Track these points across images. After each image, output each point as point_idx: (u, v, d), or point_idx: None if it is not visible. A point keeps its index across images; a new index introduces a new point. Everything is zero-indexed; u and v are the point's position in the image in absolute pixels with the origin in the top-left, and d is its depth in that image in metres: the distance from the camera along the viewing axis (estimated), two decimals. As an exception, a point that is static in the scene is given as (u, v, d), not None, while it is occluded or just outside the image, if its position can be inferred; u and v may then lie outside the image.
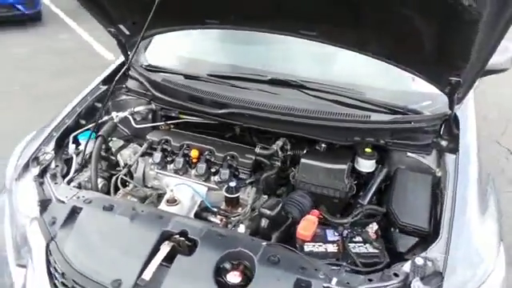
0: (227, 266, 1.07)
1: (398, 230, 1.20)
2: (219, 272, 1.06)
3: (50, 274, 1.15)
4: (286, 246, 1.10)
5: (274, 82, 1.59)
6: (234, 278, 1.04)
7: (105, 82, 1.78)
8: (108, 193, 1.45)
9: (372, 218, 1.25)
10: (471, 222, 1.14)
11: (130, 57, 1.59)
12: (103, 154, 1.58)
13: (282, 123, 1.43)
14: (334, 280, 1.00)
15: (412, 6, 1.01)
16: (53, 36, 5.86)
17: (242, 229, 1.23)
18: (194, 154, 1.45)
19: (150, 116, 1.78)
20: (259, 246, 1.09)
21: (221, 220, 1.33)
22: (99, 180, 1.47)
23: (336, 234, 1.20)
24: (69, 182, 1.41)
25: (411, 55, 1.22)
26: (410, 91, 1.56)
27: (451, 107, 1.34)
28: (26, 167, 1.42)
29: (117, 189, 1.44)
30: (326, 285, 0.99)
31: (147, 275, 1.04)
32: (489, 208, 1.24)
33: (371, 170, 1.41)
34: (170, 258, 1.08)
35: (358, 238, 1.18)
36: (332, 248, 1.15)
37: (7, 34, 5.83)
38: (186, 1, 1.36)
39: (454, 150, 1.34)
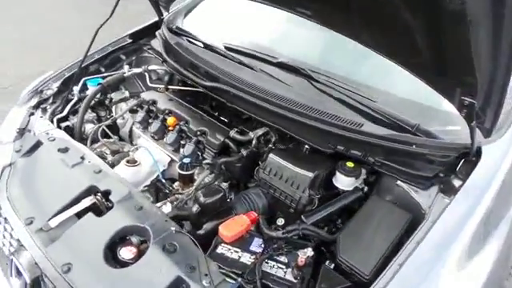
0: (129, 236, 1.00)
1: (332, 266, 0.97)
2: (118, 243, 0.99)
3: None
4: (193, 240, 0.97)
5: (282, 66, 1.42)
6: (126, 253, 0.97)
7: (132, 36, 1.82)
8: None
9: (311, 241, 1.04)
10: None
11: (160, 14, 1.60)
12: (107, 103, 1.63)
13: (263, 111, 1.27)
14: (217, 293, 0.85)
15: None
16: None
17: (168, 208, 1.13)
18: (170, 121, 1.38)
19: (166, 77, 1.76)
20: (167, 229, 0.99)
21: (165, 195, 1.25)
22: (90, 125, 1.52)
23: (263, 245, 1.02)
24: (60, 121, 1.48)
25: (410, 55, 0.95)
26: (436, 109, 1.23)
27: (472, 139, 1.02)
28: (30, 97, 1.53)
29: (96, 140, 1.47)
30: (202, 293, 0.85)
31: (53, 222, 1.03)
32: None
33: (349, 188, 1.16)
34: (84, 213, 1.06)
35: (283, 259, 0.98)
36: (246, 259, 0.98)
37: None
38: None
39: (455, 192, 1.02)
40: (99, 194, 1.09)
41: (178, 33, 1.70)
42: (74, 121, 1.51)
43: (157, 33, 1.74)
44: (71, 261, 0.95)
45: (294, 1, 1.12)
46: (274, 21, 1.76)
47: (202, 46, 1.63)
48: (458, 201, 0.99)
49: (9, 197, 1.13)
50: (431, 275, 0.88)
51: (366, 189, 1.18)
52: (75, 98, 1.56)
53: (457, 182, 1.06)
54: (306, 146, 1.26)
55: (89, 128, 1.52)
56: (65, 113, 1.51)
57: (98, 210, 1.08)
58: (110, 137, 1.50)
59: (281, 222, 1.14)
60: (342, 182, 1.16)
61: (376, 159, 1.13)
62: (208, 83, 1.37)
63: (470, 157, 1.07)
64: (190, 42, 1.65)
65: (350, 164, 1.16)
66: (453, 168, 1.09)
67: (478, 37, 0.72)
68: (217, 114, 1.48)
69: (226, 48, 1.57)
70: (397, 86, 1.30)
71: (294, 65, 1.38)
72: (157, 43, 1.76)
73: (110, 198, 1.08)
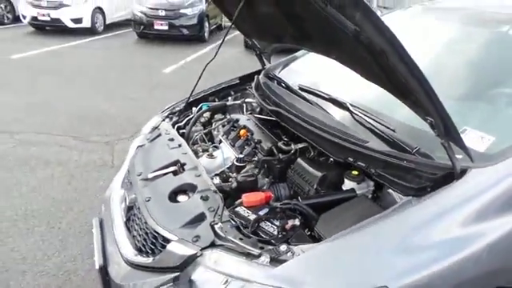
0: (186, 190, 1.53)
1: (308, 233, 1.28)
2: (180, 191, 1.53)
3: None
4: (220, 196, 1.43)
5: (332, 102, 1.82)
6: (181, 197, 1.50)
7: (240, 78, 2.49)
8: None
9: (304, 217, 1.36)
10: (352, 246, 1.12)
11: (263, 63, 2.24)
12: (212, 121, 2.29)
13: (303, 129, 1.68)
14: (219, 225, 1.28)
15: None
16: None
17: (216, 180, 1.63)
18: (242, 132, 1.92)
19: (258, 109, 2.34)
20: (208, 187, 1.48)
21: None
22: (195, 134, 2.19)
23: (267, 212, 1.40)
24: (179, 128, 2.19)
25: (383, 83, 1.26)
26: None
27: (450, 159, 1.22)
28: (166, 111, 2.31)
29: (196, 143, 2.10)
30: (212, 224, 1.29)
31: (150, 175, 1.65)
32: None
33: (348, 191, 1.45)
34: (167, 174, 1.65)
35: (276, 222, 1.34)
36: (251, 217, 1.38)
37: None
38: (266, 25, 1.86)
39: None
40: (179, 164, 1.67)
41: (270, 77, 2.28)
42: (187, 129, 2.20)
43: (256, 77, 2.36)
44: (151, 196, 1.53)
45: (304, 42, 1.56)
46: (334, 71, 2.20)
47: (284, 86, 2.16)
48: (422, 204, 1.18)
49: (134, 162, 1.83)
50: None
51: (369, 196, 1.44)
52: (191, 115, 2.27)
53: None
54: (331, 159, 1.60)
55: (195, 134, 2.18)
56: (183, 123, 2.22)
57: (176, 174, 1.65)
58: (205, 141, 2.12)
59: None
60: (347, 185, 1.46)
61: (376, 170, 1.40)
62: (270, 107, 1.88)
63: (454, 177, 1.24)
64: (278, 84, 2.20)
65: (354, 172, 1.46)
66: (442, 185, 1.27)
67: (396, 62, 1.02)
68: (276, 131, 1.94)
69: (300, 88, 2.06)
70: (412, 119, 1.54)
71: (340, 100, 1.77)
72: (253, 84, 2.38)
73: (185, 167, 1.64)
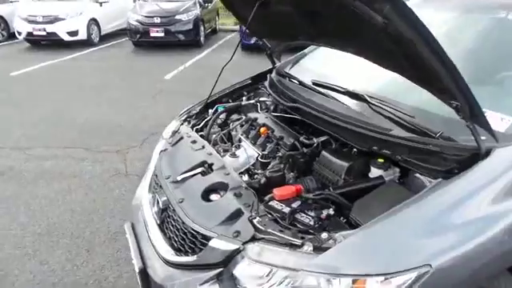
0: (217, 189, 1.57)
1: (344, 221, 1.33)
2: (212, 191, 1.58)
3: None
4: (253, 192, 1.48)
5: (348, 94, 1.87)
6: (214, 196, 1.55)
7: (252, 78, 2.54)
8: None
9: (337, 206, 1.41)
10: (402, 226, 1.17)
11: (273, 62, 2.30)
12: (228, 121, 2.33)
13: (324, 122, 1.73)
14: (257, 219, 1.33)
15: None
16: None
17: (245, 177, 1.67)
18: (262, 130, 1.97)
19: (272, 107, 2.39)
20: (239, 185, 1.53)
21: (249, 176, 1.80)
22: (214, 135, 2.23)
23: (301, 205, 1.45)
24: (197, 130, 2.23)
25: (409, 74, 1.31)
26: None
27: (475, 139, 1.27)
28: (183, 114, 2.36)
29: (216, 143, 2.15)
30: (250, 219, 1.34)
31: (180, 177, 1.70)
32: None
33: (376, 178, 1.50)
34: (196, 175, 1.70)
35: (311, 213, 1.39)
36: (286, 209, 1.42)
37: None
38: (281, 23, 1.91)
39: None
40: (206, 165, 1.71)
41: (283, 74, 2.33)
42: (205, 131, 2.25)
43: (268, 75, 2.41)
44: (184, 197, 1.57)
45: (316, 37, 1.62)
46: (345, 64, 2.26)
47: (297, 82, 2.21)
48: (454, 183, 1.23)
49: (161, 165, 1.87)
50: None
51: (396, 181, 1.49)
52: (209, 117, 2.31)
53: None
54: (355, 150, 1.65)
55: (213, 136, 2.23)
56: (201, 125, 2.27)
57: (204, 174, 1.70)
58: (225, 142, 2.16)
59: None
60: (374, 173, 1.51)
61: (402, 156, 1.45)
62: (289, 104, 1.93)
63: (480, 157, 1.29)
64: (290, 80, 2.25)
65: (380, 160, 1.51)
66: (469, 166, 1.32)
67: (424, 49, 1.07)
68: (295, 127, 1.99)
69: (314, 83, 2.11)
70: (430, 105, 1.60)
71: (357, 92, 1.82)
72: (267, 82, 2.43)
73: (213, 167, 1.69)
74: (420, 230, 1.16)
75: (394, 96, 1.78)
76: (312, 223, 1.34)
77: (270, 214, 1.38)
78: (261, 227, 1.30)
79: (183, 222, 1.48)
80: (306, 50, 2.62)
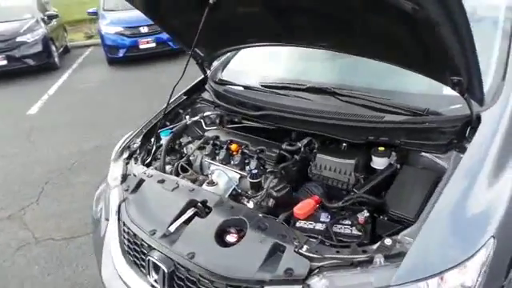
0: (231, 229, 1.34)
1: (386, 218, 1.28)
2: (224, 233, 1.34)
3: (119, 224, 1.61)
4: (275, 218, 1.31)
5: (311, 90, 1.81)
6: (231, 237, 1.31)
7: (186, 93, 2.28)
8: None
9: (367, 206, 1.35)
10: (457, 209, 1.16)
11: (204, 72, 2.07)
12: (177, 147, 2.04)
13: (305, 123, 1.64)
14: (305, 247, 1.17)
15: (378, 14, 1.16)
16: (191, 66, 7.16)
17: (250, 205, 1.48)
18: (233, 147, 1.77)
19: (217, 120, 2.18)
20: (255, 216, 1.33)
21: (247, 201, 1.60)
22: (168, 167, 1.91)
23: (329, 216, 1.34)
24: (148, 166, 1.89)
25: (406, 58, 1.32)
26: (440, 95, 1.57)
27: (469, 108, 1.35)
28: (121, 153, 1.97)
29: (178, 174, 1.86)
30: (297, 250, 1.17)
31: (172, 228, 1.39)
32: (494, 200, 1.21)
33: (384, 167, 1.49)
34: (191, 220, 1.42)
35: (347, 222, 1.30)
36: (320, 226, 1.30)
37: (159, 65, 7.36)
38: (230, 27, 1.73)
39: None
40: (199, 204, 1.45)
41: (223, 83, 2.14)
42: (156, 164, 1.92)
43: (206, 87, 2.19)
44: (193, 250, 1.29)
45: (314, 38, 1.54)
46: (291, 58, 2.23)
47: (243, 88, 2.06)
48: (469, 152, 1.29)
49: (133, 220, 1.51)
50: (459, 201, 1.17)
51: (398, 166, 1.50)
52: (154, 148, 1.98)
53: (468, 144, 1.38)
54: (344, 144, 1.61)
55: (168, 168, 1.92)
56: (149, 159, 1.93)
57: (200, 215, 1.43)
58: (187, 170, 1.89)
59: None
60: (378, 163, 1.50)
61: (401, 140, 1.47)
62: (258, 112, 1.77)
63: (472, 124, 1.38)
64: (223, 89, 2.08)
65: (381, 148, 1.50)
66: (463, 135, 1.40)
67: (447, 32, 1.08)
68: (265, 135, 1.86)
69: (262, 86, 1.99)
70: (402, 86, 1.67)
71: (321, 86, 1.77)
72: (207, 95, 2.21)
73: (208, 204, 1.44)
74: (470, 206, 1.18)
75: (353, 83, 1.81)
76: (356, 232, 1.25)
77: (310, 237, 1.24)
78: (314, 255, 1.14)
79: (212, 281, 1.21)
80: (229, 54, 2.47)
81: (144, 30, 7.73)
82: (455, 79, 1.27)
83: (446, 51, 1.14)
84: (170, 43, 7.65)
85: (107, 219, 1.76)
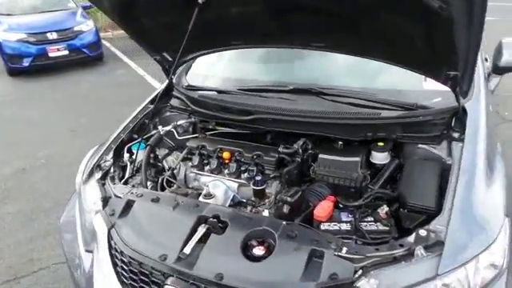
0: (253, 242, 1.26)
1: (406, 211, 1.32)
2: (246, 247, 1.24)
3: (111, 254, 1.40)
4: (302, 224, 1.27)
5: (295, 92, 1.80)
6: (258, 251, 1.23)
7: (152, 102, 2.09)
8: None
9: (382, 201, 1.39)
10: (473, 196, 1.25)
11: (171, 78, 1.93)
12: (152, 161, 1.86)
13: (300, 125, 1.63)
14: (345, 249, 1.15)
15: (396, 12, 1.19)
16: (112, 73, 6.65)
17: (266, 213, 1.42)
18: (225, 155, 1.68)
19: (190, 129, 2.05)
20: (280, 224, 1.27)
21: (250, 210, 1.52)
22: (148, 183, 1.74)
23: (350, 215, 1.35)
24: (125, 184, 1.69)
25: (408, 56, 1.38)
26: (421, 90, 1.69)
27: (457, 101, 1.46)
28: (91, 173, 1.73)
29: (163, 189, 1.70)
30: (336, 253, 1.14)
31: (187, 250, 1.25)
32: (495, 183, 1.33)
33: (385, 161, 1.54)
34: (205, 238, 1.29)
35: (370, 218, 1.32)
36: (345, 226, 1.29)
37: (75, 74, 6.70)
38: (214, 28, 1.63)
39: (463, 139, 1.44)
40: (210, 219, 1.33)
41: (196, 89, 2.02)
42: (134, 182, 1.73)
43: (174, 93, 2.04)
44: (220, 270, 1.18)
45: (310, 39, 1.53)
46: (259, 60, 2.19)
47: (217, 93, 1.96)
48: (467, 141, 1.41)
49: (133, 248, 1.33)
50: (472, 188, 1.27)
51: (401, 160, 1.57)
52: (128, 163, 1.78)
53: (456, 134, 1.50)
54: (340, 143, 1.63)
55: (149, 184, 1.74)
56: (126, 176, 1.72)
57: (214, 231, 1.31)
58: (172, 185, 1.73)
59: None
60: (378, 157, 1.55)
61: (397, 135, 1.54)
62: (248, 117, 1.70)
63: (458, 115, 1.51)
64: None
65: (380, 143, 1.55)
66: (449, 125, 1.52)
67: (462, 29, 1.15)
68: (255, 138, 1.79)
69: (241, 90, 1.92)
70: (387, 82, 1.76)
71: (307, 87, 1.78)
72: (177, 102, 2.05)
73: (221, 219, 1.33)
74: (482, 193, 1.28)
75: (332, 82, 1.85)
76: (382, 227, 1.27)
77: (346, 238, 1.23)
78: (356, 256, 1.13)
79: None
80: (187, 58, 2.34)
81: (52, 36, 6.95)
82: (451, 74, 1.36)
83: (452, 48, 1.22)
84: (85, 50, 7.06)
85: (89, 251, 1.53)
